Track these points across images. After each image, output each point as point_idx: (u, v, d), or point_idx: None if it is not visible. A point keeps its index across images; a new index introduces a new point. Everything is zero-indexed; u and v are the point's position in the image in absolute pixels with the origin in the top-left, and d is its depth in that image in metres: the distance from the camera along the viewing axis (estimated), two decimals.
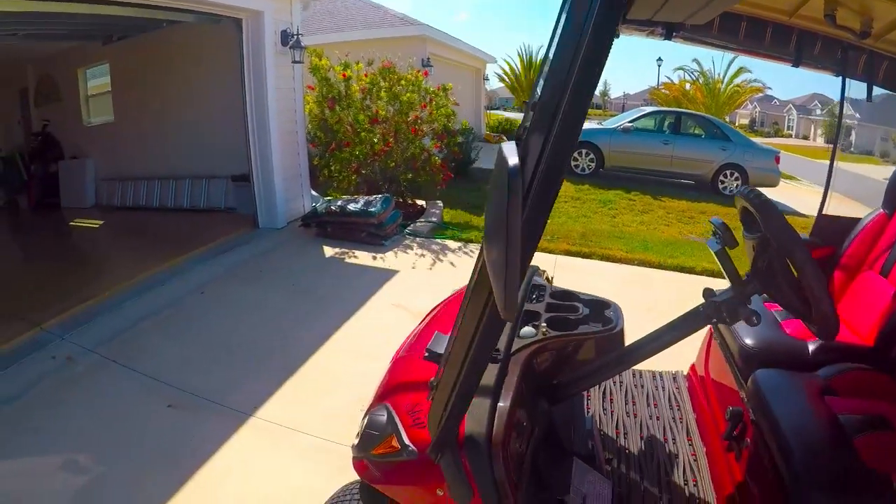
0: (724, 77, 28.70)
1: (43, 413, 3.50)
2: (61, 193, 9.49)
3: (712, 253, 1.91)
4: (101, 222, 8.45)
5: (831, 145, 1.97)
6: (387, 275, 6.14)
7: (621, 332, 1.94)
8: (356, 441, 1.82)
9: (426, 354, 1.76)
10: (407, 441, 1.63)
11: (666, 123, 13.43)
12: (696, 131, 13.38)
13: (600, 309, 2.02)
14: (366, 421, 1.78)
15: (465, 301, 1.19)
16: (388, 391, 1.88)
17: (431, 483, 1.56)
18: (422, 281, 6.18)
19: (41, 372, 3.92)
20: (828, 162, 3.32)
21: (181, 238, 7.22)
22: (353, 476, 2.31)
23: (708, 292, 1.76)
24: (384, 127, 7.91)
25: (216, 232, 7.02)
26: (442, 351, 1.49)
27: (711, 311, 1.70)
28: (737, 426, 2.05)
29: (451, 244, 7.42)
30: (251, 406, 3.83)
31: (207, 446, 3.43)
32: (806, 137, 47.88)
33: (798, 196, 13.56)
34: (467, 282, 1.22)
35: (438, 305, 2.59)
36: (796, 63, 2.63)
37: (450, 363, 1.29)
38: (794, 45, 2.55)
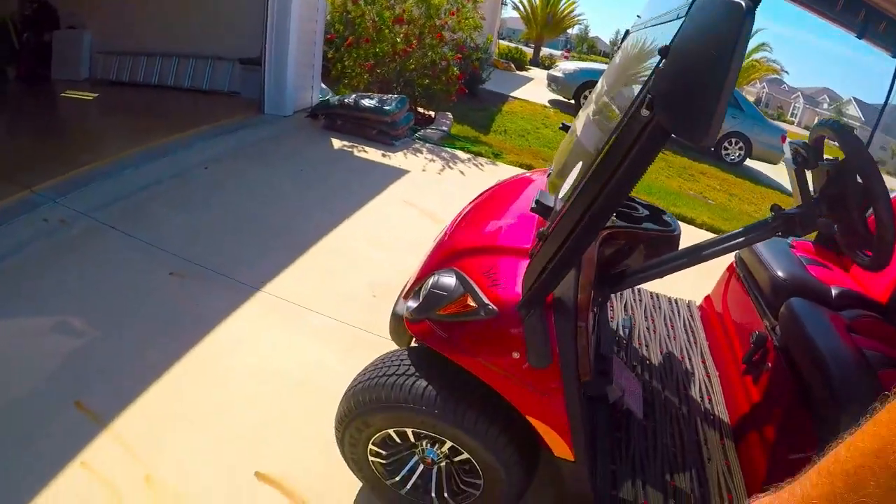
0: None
1: (32, 275, 3.27)
2: (53, 64, 8.86)
3: (787, 171, 2.09)
4: (95, 95, 7.97)
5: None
6: (397, 173, 6.11)
7: (679, 236, 2.06)
8: (412, 304, 1.81)
9: (533, 206, 1.68)
10: (486, 299, 1.62)
11: None
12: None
13: (658, 214, 2.14)
14: (429, 282, 1.77)
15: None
16: (451, 257, 1.90)
17: (508, 344, 1.57)
18: (432, 183, 6.03)
19: (31, 234, 3.63)
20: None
21: (182, 115, 6.82)
22: (367, 356, 2.16)
23: (777, 208, 1.84)
24: (408, 28, 7.79)
25: (219, 113, 6.63)
26: (552, 205, 1.52)
27: (780, 224, 1.80)
28: (758, 351, 2.15)
29: (461, 155, 7.26)
30: (259, 281, 3.61)
31: (213, 317, 3.23)
32: (808, 128, 48.57)
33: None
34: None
35: (485, 192, 2.61)
36: (860, 35, 2.74)
37: (567, 216, 1.29)
38: (862, 18, 2.65)
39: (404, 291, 2.23)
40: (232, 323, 3.23)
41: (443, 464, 2.19)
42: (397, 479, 2.23)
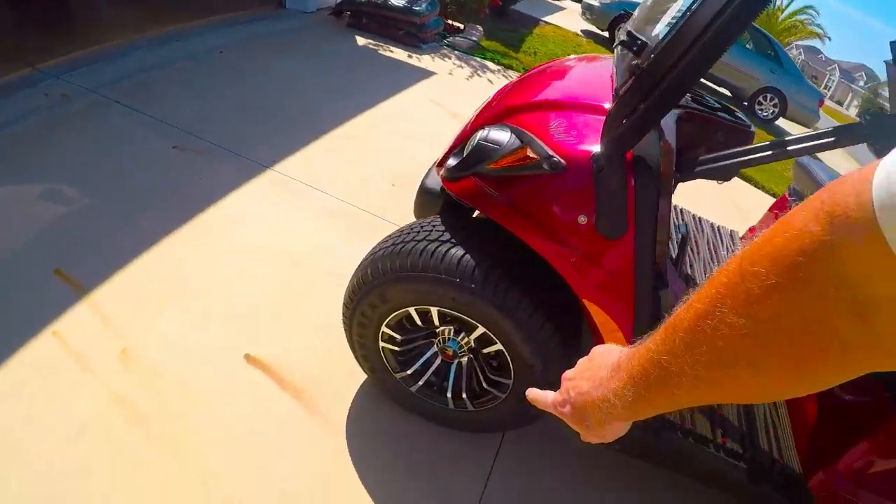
0: (787, 7, 25.64)
1: (26, 145, 2.97)
2: None
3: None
4: None
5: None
6: (424, 74, 5.71)
7: (753, 134, 1.93)
8: (452, 162, 1.59)
9: (623, 38, 1.36)
10: (550, 151, 1.38)
11: None
12: (751, 45, 12.08)
13: (731, 111, 1.99)
14: (478, 136, 1.52)
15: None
16: (503, 115, 1.63)
17: (574, 205, 1.36)
18: (460, 87, 5.61)
19: (29, 108, 3.31)
20: None
21: (200, 4, 6.30)
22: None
23: (872, 113, 1.60)
24: None
25: (237, 4, 6.05)
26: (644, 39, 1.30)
27: (872, 129, 1.73)
28: None
29: (491, 65, 6.84)
30: (271, 160, 3.24)
31: (216, 191, 2.89)
32: (840, 103, 45.93)
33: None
34: None
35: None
36: None
37: (667, 50, 1.13)
38: None
39: (439, 160, 1.86)
40: (236, 198, 2.88)
41: (465, 358, 1.82)
42: (409, 372, 1.86)
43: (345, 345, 2.03)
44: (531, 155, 1.38)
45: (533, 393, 0.80)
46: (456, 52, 6.84)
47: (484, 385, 1.81)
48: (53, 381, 1.90)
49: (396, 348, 1.80)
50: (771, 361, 0.43)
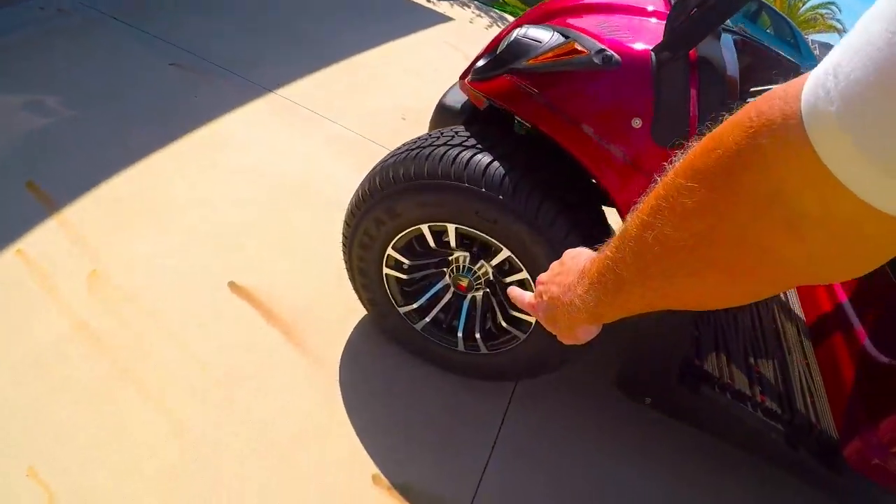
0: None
1: (14, 56, 2.72)
2: None
3: None
4: None
5: None
6: (441, 18, 5.37)
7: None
8: (484, 62, 1.39)
9: None
10: (601, 45, 1.19)
11: (748, 7, 11.22)
12: (772, 30, 11.20)
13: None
14: (514, 34, 1.32)
15: None
16: (544, 17, 1.45)
17: (628, 107, 1.17)
18: (478, 35, 5.25)
19: (24, 20, 3.06)
20: None
21: None
22: None
23: None
24: None
25: None
26: None
27: None
28: None
29: (510, 18, 6.42)
30: (275, 83, 2.95)
31: (212, 111, 2.61)
32: None
33: None
34: None
35: None
36: None
37: None
38: None
39: (463, 72, 1.59)
40: (233, 119, 2.60)
41: (479, 293, 1.51)
42: (415, 305, 1.59)
43: (342, 278, 1.75)
44: (579, 48, 1.20)
45: (514, 291, 0.81)
46: (475, 2, 6.55)
47: (501, 323, 1.52)
48: (11, 304, 1.66)
49: (402, 276, 1.53)
50: (709, 273, 0.44)
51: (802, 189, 0.34)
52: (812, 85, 0.32)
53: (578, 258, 0.67)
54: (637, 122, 1.17)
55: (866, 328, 1.60)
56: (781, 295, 1.96)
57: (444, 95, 1.74)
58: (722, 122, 0.40)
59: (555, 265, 0.73)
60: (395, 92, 3.26)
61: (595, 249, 0.62)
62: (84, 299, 1.72)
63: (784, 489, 1.75)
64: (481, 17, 6.06)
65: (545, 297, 0.70)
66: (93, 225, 1.96)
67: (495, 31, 5.66)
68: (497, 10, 6.61)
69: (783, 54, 1.72)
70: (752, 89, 1.67)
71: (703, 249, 0.42)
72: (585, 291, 0.59)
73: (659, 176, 0.48)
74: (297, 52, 3.43)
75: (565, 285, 0.65)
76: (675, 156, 0.47)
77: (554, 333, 0.71)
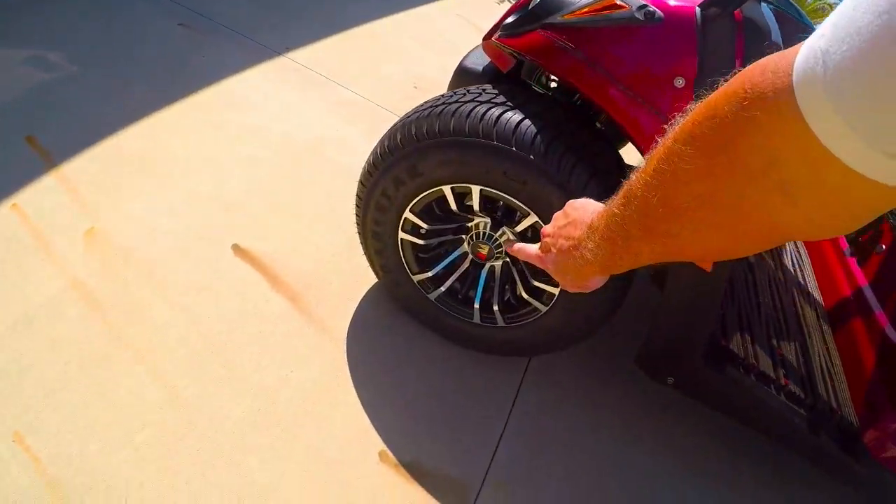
0: None
1: (14, 10, 2.63)
2: None
3: None
4: None
5: None
6: None
7: None
8: (514, 17, 1.29)
9: None
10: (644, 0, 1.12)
11: None
12: (780, 8, 11.05)
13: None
14: None
15: None
16: None
17: (670, 65, 1.11)
18: (489, 8, 5.03)
19: None
20: None
21: None
22: None
23: None
24: None
25: None
26: None
27: None
28: (868, 231, 1.85)
29: None
30: (284, 47, 2.83)
31: (219, 72, 2.50)
32: None
33: None
34: None
35: None
36: None
37: None
38: None
39: (488, 31, 1.50)
40: (241, 80, 2.49)
41: (499, 262, 1.42)
42: (430, 274, 1.48)
43: (352, 244, 1.65)
44: (619, 3, 1.13)
45: (517, 245, 0.82)
46: None
47: (522, 295, 1.41)
48: (5, 260, 1.58)
49: (419, 241, 1.44)
50: (710, 231, 0.47)
51: (795, 158, 0.36)
52: (803, 58, 0.33)
53: (584, 210, 0.68)
54: (680, 82, 1.09)
55: (887, 313, 1.57)
56: (800, 278, 1.91)
57: (465, 58, 1.65)
58: (716, 88, 0.41)
59: (559, 216, 0.73)
60: (406, 60, 3.13)
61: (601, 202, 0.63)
62: (80, 257, 1.63)
63: (796, 482, 1.64)
64: None
65: (553, 250, 0.71)
66: (92, 182, 1.86)
67: (506, 6, 5.51)
68: None
69: (812, 28, 1.61)
70: None
71: (704, 211, 0.45)
72: (596, 246, 0.61)
73: (660, 138, 0.49)
74: (307, 18, 3.30)
75: (574, 238, 0.66)
76: (673, 119, 0.48)
77: (563, 284, 0.73)
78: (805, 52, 0.33)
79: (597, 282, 0.70)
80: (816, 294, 1.90)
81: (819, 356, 1.60)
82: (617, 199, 0.56)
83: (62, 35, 2.51)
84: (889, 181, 0.32)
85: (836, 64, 0.30)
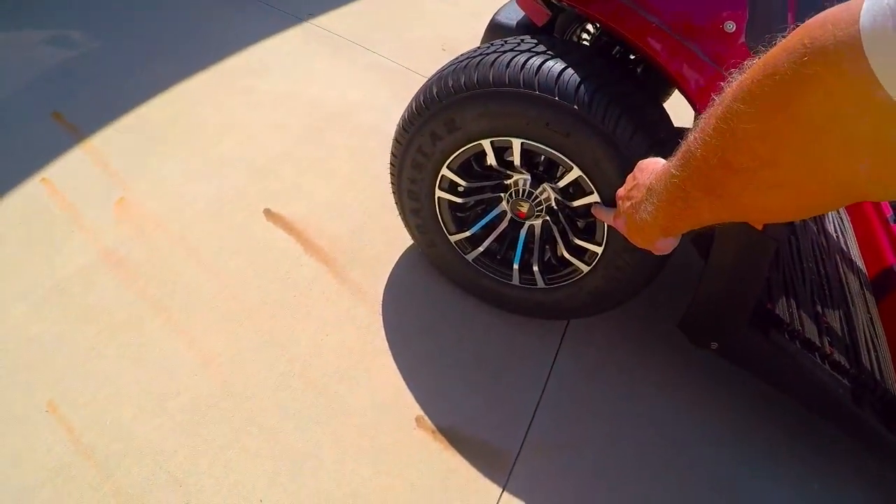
0: None
1: None
2: None
3: None
4: None
5: None
6: None
7: None
8: None
9: None
10: None
11: None
12: None
13: None
14: None
15: None
16: None
17: (720, 7, 1.02)
18: None
19: None
20: None
21: None
22: None
23: None
24: None
25: None
26: None
27: None
28: None
29: None
30: (305, 12, 2.74)
31: (243, 39, 2.46)
32: None
33: None
34: None
35: None
36: None
37: None
38: None
39: None
40: (266, 47, 2.43)
41: (539, 221, 1.34)
42: (467, 233, 1.42)
43: (385, 207, 1.59)
44: None
45: (599, 208, 0.89)
46: None
47: (563, 255, 1.33)
48: (37, 232, 1.57)
49: (456, 200, 1.37)
50: (773, 191, 0.45)
51: (857, 113, 0.34)
52: (871, 12, 0.31)
53: (647, 171, 0.68)
54: (730, 26, 1.02)
55: None
56: (843, 245, 1.82)
57: (497, 13, 1.58)
58: (774, 45, 0.40)
59: (629, 178, 0.74)
60: (433, 22, 3.04)
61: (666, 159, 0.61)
62: (111, 227, 1.61)
63: (835, 457, 1.54)
64: None
65: (623, 210, 0.72)
66: (121, 152, 1.84)
67: None
68: None
69: None
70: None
71: (766, 171, 0.44)
72: (655, 208, 0.61)
73: (716, 95, 0.47)
74: None
75: (637, 200, 0.67)
76: (729, 77, 0.46)
77: (637, 245, 0.73)
78: (872, 7, 0.31)
79: (664, 243, 0.70)
80: (859, 262, 1.81)
81: (863, 326, 1.52)
82: (675, 160, 0.55)
83: (83, 13, 2.49)
84: None
85: None
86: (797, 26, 0.39)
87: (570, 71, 1.10)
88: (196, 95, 2.09)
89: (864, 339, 1.47)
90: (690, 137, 0.52)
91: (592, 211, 0.89)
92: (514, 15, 1.54)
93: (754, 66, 0.42)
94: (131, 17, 2.48)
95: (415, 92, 1.32)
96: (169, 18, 2.52)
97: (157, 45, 2.34)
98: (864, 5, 0.32)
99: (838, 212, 1.98)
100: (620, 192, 0.75)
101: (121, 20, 2.46)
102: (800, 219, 0.59)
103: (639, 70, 1.39)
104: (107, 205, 1.68)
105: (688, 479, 1.38)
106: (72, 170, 1.78)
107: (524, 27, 1.50)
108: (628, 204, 0.70)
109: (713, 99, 0.48)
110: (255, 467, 1.20)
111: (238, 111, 2.05)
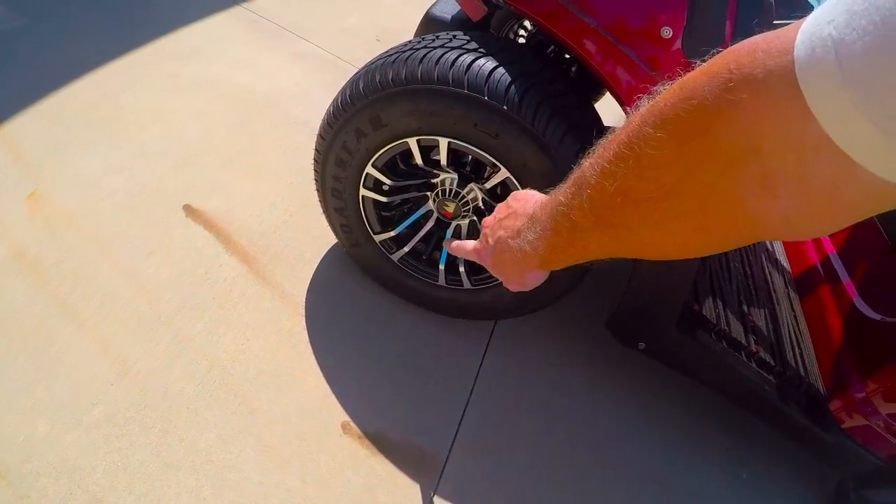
0: None
1: None
2: None
3: None
4: None
5: None
6: None
7: None
8: None
9: None
10: None
11: None
12: None
13: None
14: None
15: None
16: None
17: (657, 12, 1.01)
18: None
19: None
20: None
21: None
22: None
23: None
24: None
25: None
26: None
27: None
28: None
29: None
30: None
31: (172, 22, 2.39)
32: None
33: None
34: None
35: None
36: None
37: None
38: None
39: None
40: (195, 29, 2.32)
41: (466, 221, 1.32)
42: (392, 233, 1.39)
43: (310, 203, 1.55)
44: None
45: (453, 242, 0.80)
46: None
47: None
48: None
49: (382, 199, 1.34)
50: (674, 225, 0.43)
51: (782, 147, 0.34)
52: (809, 39, 0.30)
53: (527, 201, 0.65)
54: (667, 32, 1.01)
55: (855, 282, 1.55)
56: (768, 244, 1.88)
57: (433, 6, 1.54)
58: (693, 69, 0.38)
59: (500, 207, 0.70)
60: (368, 11, 2.95)
61: (545, 193, 0.60)
62: (23, 223, 1.54)
63: (759, 449, 1.61)
64: None
65: (491, 242, 0.68)
66: (36, 141, 1.74)
67: None
68: None
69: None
70: (776, 21, 1.43)
71: (670, 202, 0.42)
72: (536, 238, 0.58)
73: (619, 124, 0.45)
74: None
75: (514, 229, 0.63)
76: (638, 101, 0.44)
77: (500, 279, 0.70)
78: (810, 38, 0.30)
79: (535, 278, 0.66)
80: (784, 261, 1.87)
81: (788, 324, 1.58)
82: (564, 188, 0.53)
83: None
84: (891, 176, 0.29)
85: (853, 52, 0.28)
86: (719, 52, 0.37)
87: (500, 70, 1.08)
88: (120, 79, 1.99)
89: (788, 338, 1.53)
90: (585, 164, 0.50)
91: (447, 247, 0.84)
92: (450, 9, 1.51)
93: (669, 90, 0.40)
94: None
95: (342, 81, 1.30)
96: None
97: (84, 23, 2.21)
98: (800, 36, 0.31)
99: None
100: (488, 220, 0.71)
101: None
102: (700, 256, 0.57)
103: (573, 70, 1.37)
104: (18, 198, 1.60)
105: (620, 473, 1.42)
106: None
107: (459, 22, 1.48)
108: (501, 233, 0.66)
109: (613, 128, 0.46)
110: (177, 482, 1.19)
111: (163, 97, 1.96)
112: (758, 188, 0.36)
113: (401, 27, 2.83)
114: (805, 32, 0.31)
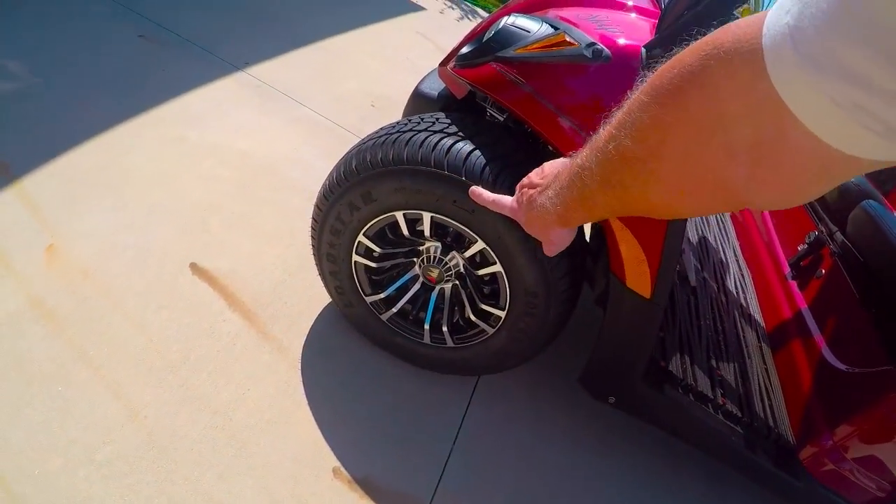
0: None
1: None
2: None
3: None
4: None
5: None
6: (412, 7, 5.23)
7: None
8: (469, 48, 1.35)
9: None
10: (592, 38, 1.17)
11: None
12: None
13: None
14: (503, 21, 1.29)
15: None
16: (532, 7, 1.45)
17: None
18: (450, 26, 5.11)
19: None
20: None
21: None
22: None
23: None
24: None
25: None
26: None
27: None
28: (810, 255, 1.94)
29: (482, 13, 6.17)
30: (242, 61, 2.88)
31: (179, 86, 2.53)
32: None
33: None
34: None
35: None
36: None
37: None
38: None
39: (444, 58, 1.55)
40: (200, 95, 2.52)
41: (449, 285, 1.52)
42: (382, 295, 1.57)
43: (306, 265, 1.72)
44: (569, 40, 1.18)
45: (493, 196, 0.90)
46: None
47: (470, 317, 1.51)
48: None
49: (371, 264, 1.51)
50: (657, 185, 0.48)
51: (743, 115, 0.37)
52: (770, 27, 0.34)
53: (555, 164, 0.73)
54: None
55: (824, 335, 1.63)
56: (742, 301, 1.99)
57: (421, 83, 1.69)
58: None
59: (535, 171, 0.78)
60: (364, 78, 3.19)
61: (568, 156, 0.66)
62: (41, 274, 1.66)
63: (743, 491, 1.79)
64: (452, 8, 5.88)
65: (524, 199, 0.76)
66: (50, 197, 1.89)
67: (466, 23, 5.57)
68: (468, 3, 6.36)
69: None
70: None
71: (654, 163, 0.47)
72: (555, 194, 0.65)
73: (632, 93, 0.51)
74: (267, 32, 3.33)
75: (542, 187, 0.72)
76: (644, 75, 0.49)
77: (530, 234, 0.78)
78: (773, 27, 0.34)
79: (560, 237, 0.75)
80: (758, 316, 1.98)
81: (758, 376, 1.67)
82: (582, 151, 0.59)
83: (25, 43, 2.50)
84: (847, 149, 0.33)
85: (805, 37, 0.31)
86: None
87: (477, 153, 1.23)
88: (129, 142, 2.16)
89: (758, 390, 1.63)
90: (600, 131, 0.55)
91: (489, 204, 0.96)
92: (437, 85, 1.66)
93: (663, 65, 0.45)
94: (75, 54, 2.51)
95: (342, 148, 1.43)
96: (107, 58, 2.57)
97: (93, 85, 2.37)
98: (765, 24, 0.35)
99: (740, 268, 2.21)
100: (524, 181, 0.79)
101: (59, 56, 2.47)
102: (688, 217, 0.66)
103: (550, 148, 1.53)
104: (37, 251, 1.72)
105: None
106: (2, 212, 1.81)
107: (445, 98, 1.63)
108: (532, 191, 0.74)
109: (627, 96, 0.52)
110: None
111: (170, 160, 2.13)
112: (724, 157, 0.40)
113: (394, 93, 3.06)
114: (769, 19, 0.35)
